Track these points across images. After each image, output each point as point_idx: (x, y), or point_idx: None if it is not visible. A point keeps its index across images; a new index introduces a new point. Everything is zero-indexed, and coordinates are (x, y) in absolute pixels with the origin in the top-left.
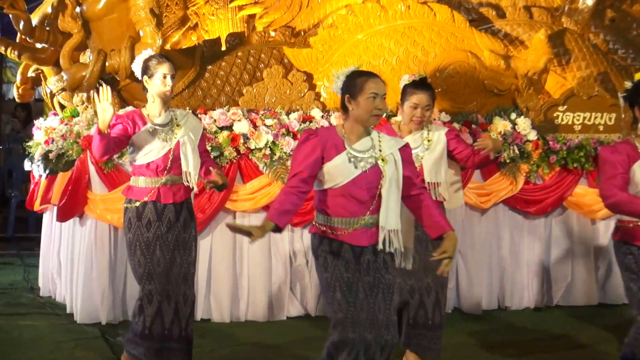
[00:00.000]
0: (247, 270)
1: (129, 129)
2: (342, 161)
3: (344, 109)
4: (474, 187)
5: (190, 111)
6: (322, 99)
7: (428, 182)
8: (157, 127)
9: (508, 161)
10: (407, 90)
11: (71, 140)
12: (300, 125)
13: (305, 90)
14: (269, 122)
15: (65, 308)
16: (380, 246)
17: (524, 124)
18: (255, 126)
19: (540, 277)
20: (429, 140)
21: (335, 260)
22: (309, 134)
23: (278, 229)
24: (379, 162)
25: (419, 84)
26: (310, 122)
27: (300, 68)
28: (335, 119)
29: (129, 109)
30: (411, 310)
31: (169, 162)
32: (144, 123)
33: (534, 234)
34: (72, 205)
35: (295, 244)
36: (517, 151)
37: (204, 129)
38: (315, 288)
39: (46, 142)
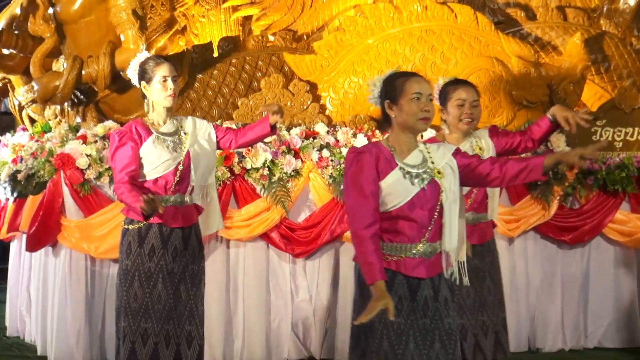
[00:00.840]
0: (243, 307)
1: (138, 145)
2: (397, 178)
3: (385, 119)
4: (501, 212)
5: (190, 117)
6: (327, 112)
7: (491, 196)
8: (164, 137)
9: (540, 183)
10: (447, 90)
11: (42, 159)
12: (303, 142)
13: (309, 102)
14: (267, 138)
15: (36, 350)
16: (447, 274)
17: (557, 141)
18: None
19: (577, 315)
20: (480, 148)
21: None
22: (357, 152)
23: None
24: (436, 176)
25: (459, 80)
26: (314, 138)
27: (302, 77)
28: (342, 134)
29: (109, 123)
30: (466, 354)
31: (178, 177)
32: (149, 133)
33: (570, 266)
34: (44, 233)
35: (297, 277)
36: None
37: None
38: (320, 327)
39: (14, 161)
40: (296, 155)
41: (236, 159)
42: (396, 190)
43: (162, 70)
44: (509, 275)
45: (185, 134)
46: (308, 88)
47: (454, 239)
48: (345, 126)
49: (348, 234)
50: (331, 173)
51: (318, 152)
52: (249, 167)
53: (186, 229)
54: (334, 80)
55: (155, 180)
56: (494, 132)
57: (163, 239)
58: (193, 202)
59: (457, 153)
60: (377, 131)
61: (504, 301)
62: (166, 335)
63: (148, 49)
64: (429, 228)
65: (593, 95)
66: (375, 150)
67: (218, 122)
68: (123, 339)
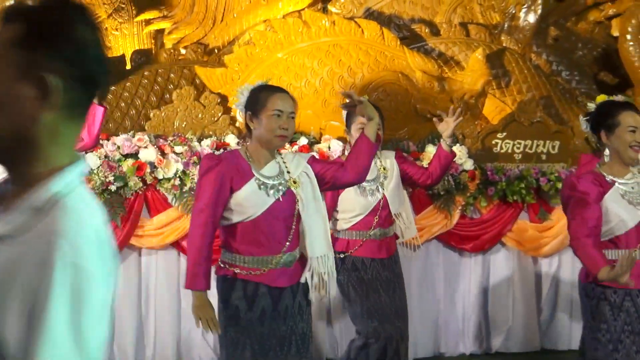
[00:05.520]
0: (154, 313)
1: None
2: (253, 189)
3: (247, 128)
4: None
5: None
6: (237, 124)
7: (394, 214)
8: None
9: (442, 193)
10: (352, 111)
11: None
12: (214, 152)
13: (219, 114)
14: (178, 149)
15: None
16: (304, 279)
17: (459, 153)
18: (163, 154)
19: (478, 320)
20: (384, 169)
21: (249, 311)
22: (210, 162)
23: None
24: (292, 185)
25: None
26: (225, 149)
27: (213, 89)
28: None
29: None
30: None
31: None
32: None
33: (471, 273)
34: None
35: None
36: (452, 182)
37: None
38: None
39: None
40: None
41: (148, 169)
42: (251, 201)
43: None
44: (413, 282)
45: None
46: (219, 100)
47: (315, 246)
48: None
49: None
50: None
51: None
52: (160, 177)
53: None
54: None
55: None
56: (399, 155)
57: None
58: None
59: (312, 160)
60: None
61: (407, 310)
62: None
63: None
64: (289, 238)
65: (494, 108)
66: (231, 160)
67: (130, 134)
68: None
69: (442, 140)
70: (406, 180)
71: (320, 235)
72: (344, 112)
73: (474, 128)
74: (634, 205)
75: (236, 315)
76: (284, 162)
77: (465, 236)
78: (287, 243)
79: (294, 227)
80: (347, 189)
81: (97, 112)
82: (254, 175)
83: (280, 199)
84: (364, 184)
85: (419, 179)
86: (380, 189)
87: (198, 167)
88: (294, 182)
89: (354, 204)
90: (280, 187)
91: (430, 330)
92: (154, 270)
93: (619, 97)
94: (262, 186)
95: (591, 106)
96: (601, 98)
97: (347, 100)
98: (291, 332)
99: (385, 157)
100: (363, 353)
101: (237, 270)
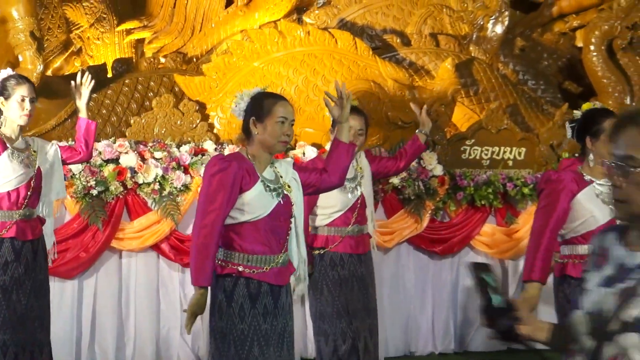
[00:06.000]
0: (134, 314)
1: None
2: (260, 190)
3: (246, 133)
4: (377, 224)
5: (35, 137)
6: (215, 131)
7: (371, 212)
8: (18, 152)
9: (413, 197)
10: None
11: None
12: (192, 158)
13: (198, 121)
14: (158, 154)
15: None
16: (293, 280)
17: (429, 159)
18: (143, 159)
19: (447, 320)
20: (361, 168)
21: (253, 309)
22: (223, 163)
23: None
24: (287, 190)
25: (352, 108)
26: (203, 154)
27: (192, 97)
28: (230, 152)
29: None
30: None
31: (31, 191)
32: (4, 148)
33: (440, 275)
34: None
35: (186, 286)
36: (422, 187)
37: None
38: (208, 333)
39: None
40: (185, 171)
41: (129, 174)
42: (260, 201)
43: (22, 90)
44: (385, 284)
45: (34, 151)
46: (197, 107)
47: (302, 248)
48: (232, 144)
49: None
50: None
51: None
52: (140, 181)
53: (34, 242)
54: (222, 100)
55: (8, 194)
56: (368, 153)
57: (16, 252)
58: (37, 215)
59: (296, 167)
60: None
61: (376, 307)
62: (22, 344)
63: (45, 69)
64: (287, 238)
65: (463, 116)
66: (240, 161)
67: (111, 140)
68: None
69: (419, 132)
70: (382, 175)
71: (304, 238)
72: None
73: (444, 135)
74: (607, 205)
75: (242, 313)
76: (276, 168)
77: (435, 239)
78: (286, 243)
79: (290, 229)
80: None
81: (90, 126)
82: (259, 176)
83: (282, 202)
84: (345, 182)
85: (392, 169)
86: (359, 188)
87: (204, 166)
88: (288, 187)
89: (334, 200)
90: (280, 190)
91: (401, 330)
92: (134, 272)
93: (599, 105)
94: (267, 188)
95: (577, 114)
96: (587, 106)
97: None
98: (284, 329)
99: (360, 157)
100: (335, 358)
101: (241, 269)
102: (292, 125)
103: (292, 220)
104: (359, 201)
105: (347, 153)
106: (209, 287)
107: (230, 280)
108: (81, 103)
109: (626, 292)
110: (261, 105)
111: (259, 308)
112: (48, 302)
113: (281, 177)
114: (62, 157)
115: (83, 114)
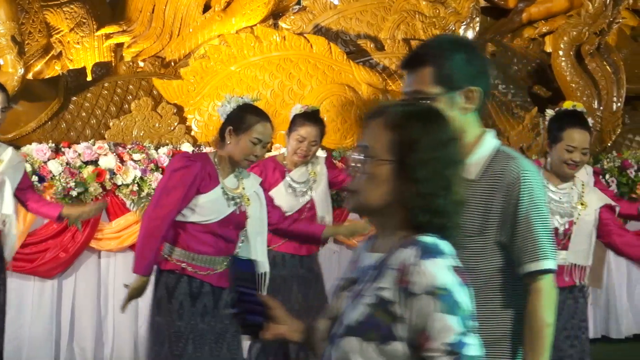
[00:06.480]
0: (113, 312)
1: None
2: (218, 196)
3: (221, 137)
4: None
5: (11, 147)
6: (193, 133)
7: (319, 217)
8: None
9: None
10: (296, 121)
11: None
12: (170, 160)
13: (175, 124)
14: (136, 156)
15: None
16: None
17: None
18: (122, 161)
19: None
20: (314, 173)
21: (192, 307)
22: (186, 161)
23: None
24: (245, 202)
25: (310, 116)
26: None
27: (170, 100)
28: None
29: None
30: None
31: None
32: None
33: None
34: None
35: None
36: None
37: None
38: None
39: None
40: (163, 172)
41: (108, 176)
42: (214, 207)
43: None
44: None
45: (1, 160)
46: (175, 111)
47: (260, 254)
48: (210, 146)
49: None
50: None
51: None
52: (119, 183)
53: None
54: (199, 103)
55: None
56: (329, 161)
57: None
58: None
59: (264, 191)
60: None
61: (323, 307)
62: None
63: (26, 72)
64: (238, 244)
65: None
66: (204, 163)
67: (91, 142)
68: None
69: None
70: (337, 184)
71: (264, 252)
72: (291, 116)
73: None
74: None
75: (181, 310)
76: (242, 178)
77: None
78: (235, 249)
79: (241, 236)
80: (277, 187)
81: (52, 215)
82: (220, 182)
83: (237, 212)
84: (295, 185)
85: (340, 186)
86: (309, 192)
87: (168, 161)
88: (248, 200)
89: (283, 202)
90: (238, 200)
91: None
92: (113, 272)
93: (580, 108)
94: (224, 195)
95: (550, 113)
96: (568, 104)
97: None
98: (225, 331)
99: (316, 162)
100: (262, 355)
101: (184, 266)
102: (265, 147)
103: (244, 232)
104: (307, 205)
105: (309, 239)
106: (151, 278)
107: (173, 276)
108: (77, 211)
109: (354, 294)
110: (242, 119)
111: (199, 307)
112: (3, 302)
113: (243, 188)
114: (19, 182)
115: (66, 210)
